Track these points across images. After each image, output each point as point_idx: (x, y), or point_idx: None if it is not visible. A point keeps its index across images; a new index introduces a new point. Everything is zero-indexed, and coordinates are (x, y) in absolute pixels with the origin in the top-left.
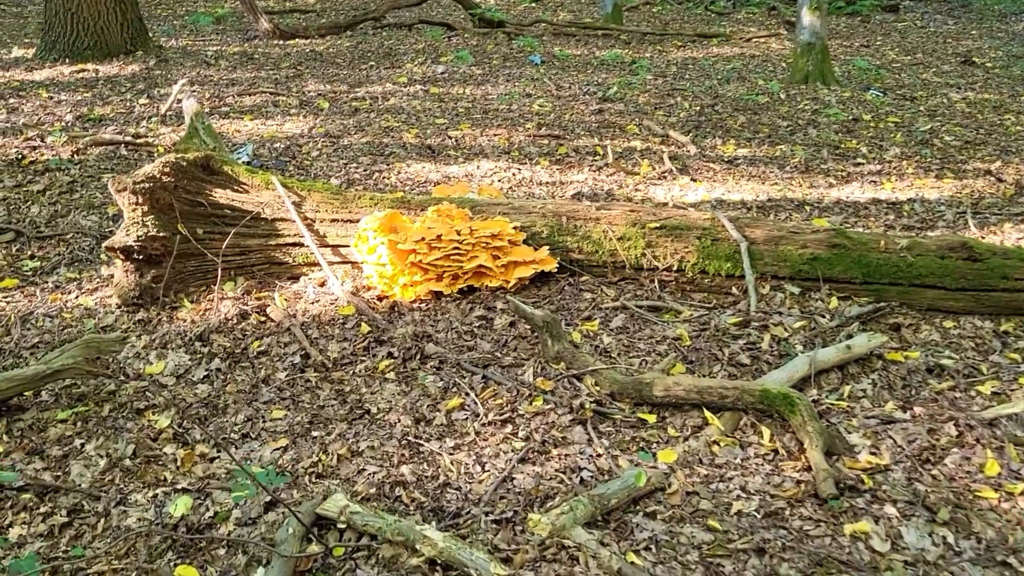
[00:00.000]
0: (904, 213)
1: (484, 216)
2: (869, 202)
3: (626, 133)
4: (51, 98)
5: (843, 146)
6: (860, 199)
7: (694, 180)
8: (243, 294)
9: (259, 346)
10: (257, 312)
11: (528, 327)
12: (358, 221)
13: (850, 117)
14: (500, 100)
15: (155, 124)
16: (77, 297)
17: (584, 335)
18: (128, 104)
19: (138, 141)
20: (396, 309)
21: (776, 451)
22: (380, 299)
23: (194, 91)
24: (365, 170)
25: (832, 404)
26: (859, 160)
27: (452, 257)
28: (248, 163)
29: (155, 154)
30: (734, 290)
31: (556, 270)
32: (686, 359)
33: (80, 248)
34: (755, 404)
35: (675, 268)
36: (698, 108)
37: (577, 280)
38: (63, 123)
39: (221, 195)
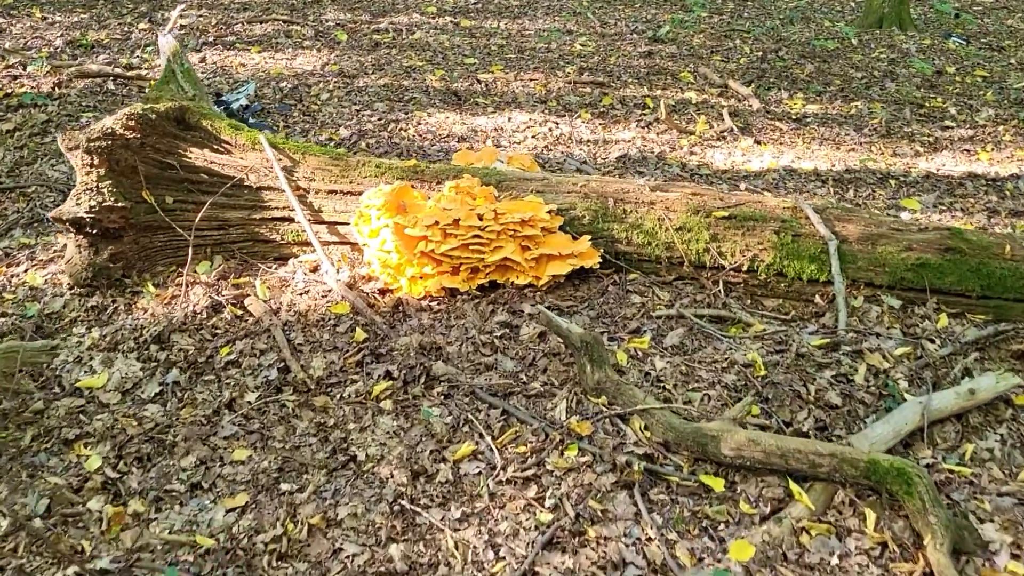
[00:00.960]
0: (1007, 193)
1: (513, 194)
2: (964, 176)
3: (679, 81)
4: (44, 19)
5: (927, 104)
6: (953, 172)
7: (758, 142)
8: (218, 279)
9: (229, 352)
10: (233, 304)
11: (561, 341)
12: (360, 194)
13: (933, 69)
14: (538, 37)
15: (150, 54)
16: (26, 271)
17: (631, 356)
18: (126, 29)
19: (129, 74)
20: (400, 309)
21: (884, 545)
22: (382, 293)
23: (200, 16)
24: (380, 119)
25: (952, 471)
26: (947, 123)
27: (472, 247)
28: (247, 106)
29: (147, 89)
30: (817, 299)
31: (598, 265)
32: (760, 394)
33: (42, 205)
34: (858, 478)
35: (745, 268)
36: (760, 53)
37: (624, 279)
38: (51, 49)
39: (197, 156)
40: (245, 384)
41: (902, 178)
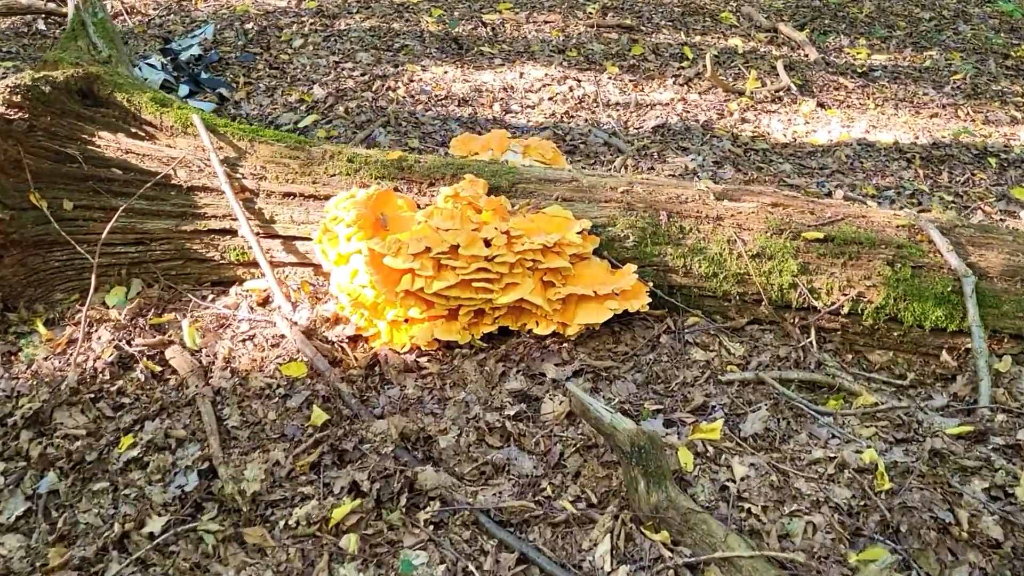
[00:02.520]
0: None
1: (531, 203)
2: None
3: (720, 24)
4: None
5: (1013, 54)
6: None
7: (822, 105)
8: (133, 317)
9: (133, 443)
10: (149, 357)
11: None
12: (327, 198)
13: (1013, 8)
14: None
15: None
16: None
17: (698, 453)
18: None
19: (63, 10)
20: (377, 369)
21: None
22: (353, 342)
23: None
24: (363, 74)
25: None
26: None
27: (476, 285)
28: (200, 56)
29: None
30: (944, 354)
31: (646, 306)
32: (888, 524)
33: None
34: None
35: (846, 310)
36: None
37: (681, 324)
38: None
39: (109, 143)
40: (150, 500)
41: (1003, 155)
